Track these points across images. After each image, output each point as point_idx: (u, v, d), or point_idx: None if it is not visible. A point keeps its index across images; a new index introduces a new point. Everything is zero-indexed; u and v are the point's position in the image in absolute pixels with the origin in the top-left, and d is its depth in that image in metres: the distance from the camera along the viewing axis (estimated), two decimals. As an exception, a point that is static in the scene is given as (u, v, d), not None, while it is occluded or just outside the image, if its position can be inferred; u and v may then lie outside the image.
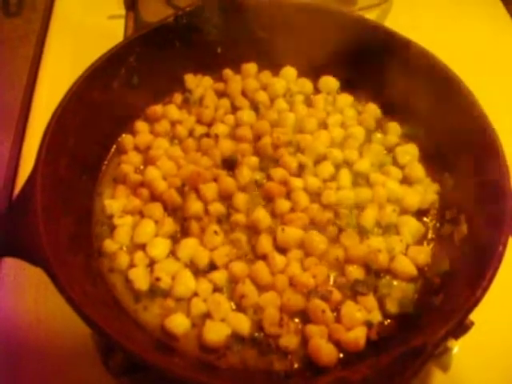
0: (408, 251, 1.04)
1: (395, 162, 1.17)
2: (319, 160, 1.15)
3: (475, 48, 1.55)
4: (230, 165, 1.13)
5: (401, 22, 1.38)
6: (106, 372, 0.96)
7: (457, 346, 1.04)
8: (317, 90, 1.29)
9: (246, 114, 1.21)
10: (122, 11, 1.53)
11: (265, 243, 1.02)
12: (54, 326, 1.05)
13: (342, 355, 0.92)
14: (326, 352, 0.91)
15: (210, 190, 1.08)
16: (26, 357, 1.02)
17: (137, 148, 1.18)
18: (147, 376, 0.92)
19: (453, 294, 0.92)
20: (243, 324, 0.95)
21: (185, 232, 1.05)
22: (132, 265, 1.01)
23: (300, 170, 1.13)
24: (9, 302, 1.09)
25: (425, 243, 1.07)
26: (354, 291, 0.99)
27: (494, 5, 1.72)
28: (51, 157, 0.96)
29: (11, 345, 1.04)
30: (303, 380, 0.92)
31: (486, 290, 0.84)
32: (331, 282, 1.01)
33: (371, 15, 1.53)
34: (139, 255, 1.02)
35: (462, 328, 0.96)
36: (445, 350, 1.03)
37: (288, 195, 1.09)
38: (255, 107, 1.24)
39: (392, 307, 0.98)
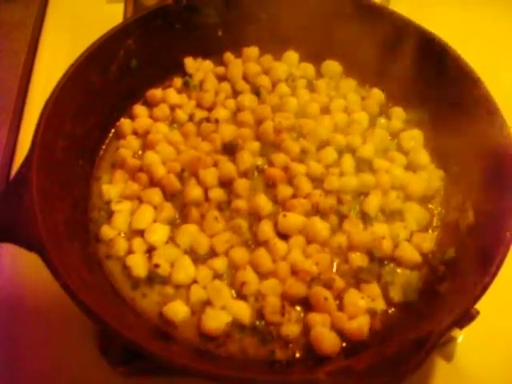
0: (412, 238, 1.03)
1: (399, 148, 1.15)
2: (322, 145, 1.13)
3: (479, 30, 1.52)
4: (230, 150, 1.12)
5: (405, 5, 1.35)
6: (103, 360, 0.94)
7: (461, 336, 1.03)
8: (319, 75, 1.27)
9: (247, 99, 1.20)
10: (121, -5, 1.51)
11: (266, 230, 1.01)
12: (52, 314, 1.03)
13: (344, 344, 0.91)
14: (329, 341, 0.89)
15: (210, 175, 1.06)
16: (24, 345, 1.02)
17: (135, 132, 1.16)
18: (145, 364, 0.92)
19: (458, 282, 0.91)
20: (244, 312, 0.93)
21: (184, 218, 1.04)
22: (130, 251, 1.00)
23: (302, 156, 1.11)
24: (6, 289, 1.08)
25: (430, 230, 1.06)
26: (357, 279, 0.98)
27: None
28: (48, 139, 0.95)
29: (9, 332, 1.03)
30: (305, 369, 0.90)
31: (493, 277, 0.83)
32: (334, 270, 1.00)
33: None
34: (137, 241, 1.00)
35: (467, 317, 0.94)
36: (449, 340, 1.03)
37: (290, 181, 1.07)
38: (256, 91, 1.22)
39: (396, 295, 0.97)
